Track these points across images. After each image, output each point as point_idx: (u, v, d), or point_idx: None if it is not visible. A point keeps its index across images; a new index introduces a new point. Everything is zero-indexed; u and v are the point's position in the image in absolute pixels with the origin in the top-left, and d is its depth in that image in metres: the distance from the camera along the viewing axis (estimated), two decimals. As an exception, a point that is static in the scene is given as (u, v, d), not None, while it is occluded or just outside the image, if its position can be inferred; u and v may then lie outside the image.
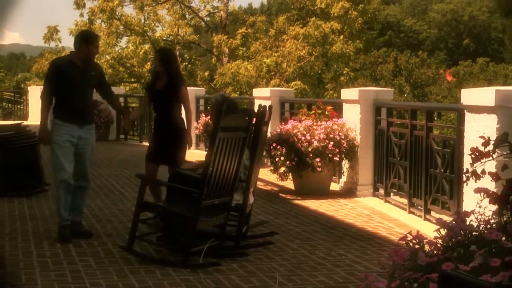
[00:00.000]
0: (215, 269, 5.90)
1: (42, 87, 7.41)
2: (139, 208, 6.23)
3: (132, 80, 32.53)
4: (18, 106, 27.63)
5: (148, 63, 33.64)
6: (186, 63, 32.96)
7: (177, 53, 33.13)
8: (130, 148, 16.89)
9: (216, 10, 32.87)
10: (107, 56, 30.11)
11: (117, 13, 30.85)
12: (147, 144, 18.09)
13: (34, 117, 21.66)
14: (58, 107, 6.99)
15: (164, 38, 32.42)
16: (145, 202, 6.32)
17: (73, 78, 6.87)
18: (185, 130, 7.59)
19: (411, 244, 3.24)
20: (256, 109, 7.06)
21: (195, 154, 14.20)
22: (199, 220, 5.94)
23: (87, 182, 7.16)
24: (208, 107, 8.04)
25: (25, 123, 7.20)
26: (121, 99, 19.41)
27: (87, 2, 31.01)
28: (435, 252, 3.10)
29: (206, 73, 33.79)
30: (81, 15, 31.23)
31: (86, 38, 7.02)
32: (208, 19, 34.36)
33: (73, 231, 6.97)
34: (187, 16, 33.05)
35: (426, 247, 3.18)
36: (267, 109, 6.86)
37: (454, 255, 2.98)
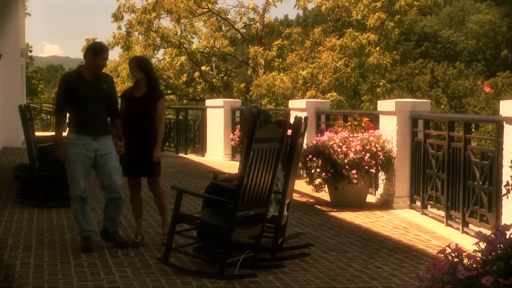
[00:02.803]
0: (251, 280, 5.90)
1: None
2: (175, 220, 6.25)
3: (169, 92, 32.72)
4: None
5: (184, 74, 33.86)
6: (222, 75, 33.08)
7: (213, 64, 33.34)
8: (166, 159, 16.92)
9: (252, 22, 32.96)
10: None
11: (154, 26, 31.11)
12: (183, 155, 18.32)
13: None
14: (71, 121, 7.00)
15: (200, 50, 32.59)
16: (181, 214, 6.34)
17: (82, 91, 6.84)
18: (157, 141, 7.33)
19: (450, 258, 3.20)
20: (292, 120, 7.06)
21: (232, 166, 14.24)
22: (234, 231, 5.94)
23: (117, 193, 7.05)
24: (240, 119, 7.75)
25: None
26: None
27: (125, 14, 31.35)
28: (475, 265, 3.06)
29: (242, 85, 33.87)
30: (119, 27, 31.58)
31: (93, 50, 6.97)
32: (244, 31, 34.45)
33: (111, 239, 7.13)
34: (223, 28, 33.17)
35: (465, 261, 3.14)
36: (303, 120, 6.85)
37: (493, 269, 2.94)
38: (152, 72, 7.61)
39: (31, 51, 32.72)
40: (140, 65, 7.34)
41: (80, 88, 6.86)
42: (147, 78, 7.32)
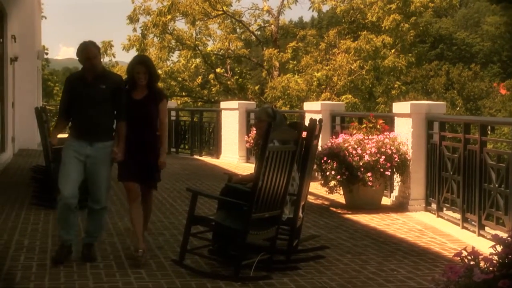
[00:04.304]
0: (266, 282, 5.90)
1: None
2: (190, 222, 6.27)
3: (184, 94, 32.80)
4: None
5: (199, 77, 33.91)
6: (237, 77, 33.12)
7: (228, 67, 33.40)
8: (181, 161, 17.01)
9: (267, 24, 32.98)
10: (159, 71, 30.40)
11: (169, 28, 31.20)
12: (198, 157, 18.35)
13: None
14: (71, 123, 6.70)
15: (215, 52, 32.65)
16: (196, 216, 6.36)
17: (79, 92, 6.49)
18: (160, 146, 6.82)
19: (466, 261, 3.18)
20: (307, 122, 7.06)
21: (247, 168, 14.25)
22: (249, 233, 5.95)
23: (99, 205, 6.57)
24: (255, 121, 7.51)
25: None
26: (173, 113, 19.64)
27: (141, 17, 31.46)
28: (491, 269, 3.04)
29: (257, 87, 33.87)
30: (134, 29, 31.70)
31: (79, 51, 6.50)
32: (259, 33, 34.48)
33: (82, 253, 6.62)
34: (237, 30, 33.22)
35: (482, 264, 3.12)
36: (317, 122, 6.85)
37: (510, 272, 2.92)
38: (157, 74, 6.98)
39: (47, 54, 32.85)
40: (148, 69, 6.75)
41: (77, 89, 6.52)
42: (150, 81, 6.77)
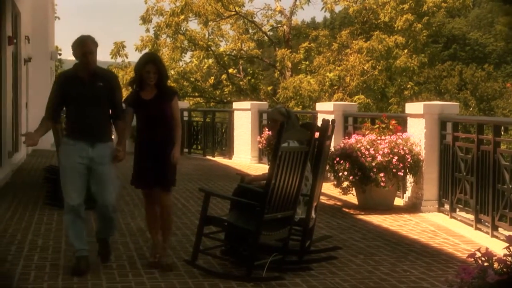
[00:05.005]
0: (278, 283, 5.90)
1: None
2: (202, 222, 6.27)
3: (196, 94, 32.85)
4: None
5: (212, 77, 33.95)
6: (249, 78, 33.13)
7: (240, 67, 33.43)
8: (193, 162, 17.04)
9: (279, 25, 32.98)
10: (171, 71, 30.48)
11: (182, 28, 31.26)
12: (210, 158, 18.37)
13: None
14: (67, 125, 6.34)
15: (228, 53, 32.69)
16: (208, 216, 6.36)
17: (74, 91, 6.09)
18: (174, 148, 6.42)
19: (480, 262, 3.17)
20: (319, 123, 7.06)
21: (259, 169, 14.25)
22: (262, 233, 5.95)
23: (108, 206, 6.18)
24: (269, 122, 7.36)
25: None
26: (185, 113, 19.66)
27: (154, 17, 31.55)
28: (505, 270, 3.03)
29: (269, 88, 33.88)
30: (147, 30, 31.79)
31: (76, 45, 6.13)
32: (271, 33, 34.50)
33: (99, 251, 6.52)
34: (250, 30, 33.25)
35: (496, 265, 3.11)
36: (330, 123, 6.84)
37: (524, 273, 2.91)
38: (166, 72, 6.70)
39: (60, 54, 32.89)
40: (158, 68, 6.39)
41: (72, 88, 6.11)
42: (159, 80, 6.43)
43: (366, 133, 10.21)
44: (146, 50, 31.21)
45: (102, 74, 6.27)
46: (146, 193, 6.59)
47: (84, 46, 6.08)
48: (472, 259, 3.24)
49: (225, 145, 18.55)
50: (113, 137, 6.49)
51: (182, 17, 30.43)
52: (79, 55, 6.08)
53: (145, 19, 31.58)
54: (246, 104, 18.01)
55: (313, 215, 6.83)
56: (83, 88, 6.10)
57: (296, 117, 7.08)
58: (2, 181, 12.06)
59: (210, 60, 32.69)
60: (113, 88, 6.26)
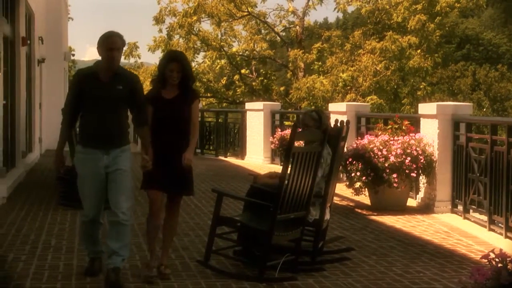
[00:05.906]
0: (291, 283, 5.90)
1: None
2: (215, 222, 6.28)
3: (209, 95, 32.88)
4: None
5: (224, 77, 33.97)
6: (262, 78, 33.12)
7: (253, 68, 33.43)
8: (206, 162, 17.06)
9: (292, 25, 32.94)
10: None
11: (195, 29, 31.31)
12: (223, 158, 18.39)
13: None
14: (80, 130, 5.96)
15: (240, 53, 32.70)
16: (221, 216, 6.37)
17: (93, 93, 5.73)
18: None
19: (493, 263, 3.16)
20: (332, 124, 7.05)
21: (272, 169, 14.24)
22: (275, 234, 5.95)
23: (118, 217, 5.75)
24: (301, 126, 7.01)
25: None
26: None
27: (167, 18, 31.61)
28: (519, 271, 3.02)
29: (282, 88, 33.86)
30: (160, 30, 31.85)
31: (102, 39, 5.74)
32: (284, 34, 34.47)
33: (108, 280, 5.74)
34: (262, 31, 33.25)
35: (509, 266, 3.10)
36: (345, 124, 6.84)
37: (538, 274, 2.90)
38: (192, 73, 6.34)
39: (73, 55, 33.04)
40: (182, 67, 6.03)
41: (90, 89, 5.74)
42: (183, 80, 6.09)
43: (379, 133, 10.18)
44: (159, 51, 31.33)
45: (123, 75, 5.85)
46: (154, 198, 6.07)
47: (111, 42, 5.69)
48: (486, 260, 3.23)
49: (238, 145, 18.56)
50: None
51: (195, 17, 30.45)
52: (104, 51, 5.68)
53: (158, 20, 31.64)
54: (259, 104, 18.02)
55: (327, 216, 6.82)
56: (101, 90, 5.72)
57: (326, 118, 7.03)
58: (16, 181, 12.12)
59: (223, 61, 32.70)
60: (133, 91, 5.81)
